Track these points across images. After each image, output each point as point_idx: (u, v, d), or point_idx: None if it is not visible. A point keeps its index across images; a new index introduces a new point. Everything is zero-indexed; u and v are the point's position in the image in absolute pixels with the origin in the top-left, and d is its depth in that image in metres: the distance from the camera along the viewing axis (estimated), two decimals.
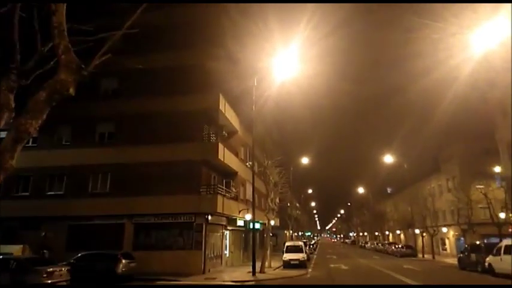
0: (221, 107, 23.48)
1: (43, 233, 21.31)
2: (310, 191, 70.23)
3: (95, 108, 23.98)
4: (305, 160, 43.89)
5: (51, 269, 13.63)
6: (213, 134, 23.83)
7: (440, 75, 25.86)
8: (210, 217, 21.55)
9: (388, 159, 45.06)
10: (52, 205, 22.22)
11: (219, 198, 21.83)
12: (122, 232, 21.72)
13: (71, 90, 5.07)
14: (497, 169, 30.74)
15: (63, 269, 14.40)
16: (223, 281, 17.74)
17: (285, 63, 19.70)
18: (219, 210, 21.62)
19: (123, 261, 17.71)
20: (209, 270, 21.22)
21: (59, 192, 23.10)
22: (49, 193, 23.17)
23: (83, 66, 5.20)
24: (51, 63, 6.15)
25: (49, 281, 13.34)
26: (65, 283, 14.08)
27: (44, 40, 6.08)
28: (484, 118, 32.40)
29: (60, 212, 21.91)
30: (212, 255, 22.89)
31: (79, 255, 18.25)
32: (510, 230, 28.30)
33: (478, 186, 30.92)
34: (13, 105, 5.25)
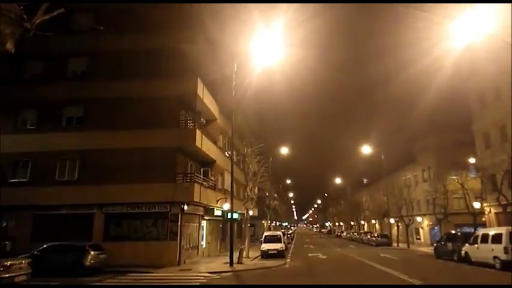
0: (199, 92, 22.47)
1: (4, 223, 19.81)
2: (288, 181, 70.15)
3: (62, 91, 22.45)
4: (284, 150, 43.43)
5: (8, 263, 12.39)
6: (190, 120, 22.82)
7: (425, 66, 25.86)
8: (186, 207, 20.68)
9: (366, 150, 45.30)
10: (15, 193, 20.51)
11: (196, 187, 20.96)
12: (91, 222, 20.50)
13: (9, 46, 4.06)
14: (472, 160, 31.31)
15: (23, 261, 13.17)
16: (199, 272, 17.00)
17: (266, 48, 18.89)
18: (196, 199, 20.78)
19: (92, 252, 16.69)
20: (185, 262, 20.44)
21: (23, 180, 21.48)
22: (12, 180, 21.47)
23: (25, 17, 4.17)
24: None
25: (7, 275, 12.13)
26: (25, 277, 12.89)
27: None
28: (462, 109, 32.87)
29: (24, 200, 20.36)
30: (188, 246, 22.09)
31: (44, 246, 17.20)
32: (484, 219, 28.93)
33: (452, 177, 31.43)
34: None
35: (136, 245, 19.88)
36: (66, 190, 20.70)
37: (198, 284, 13.84)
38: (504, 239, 17.21)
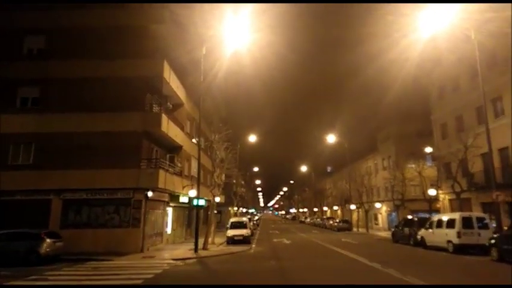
0: (166, 75, 21.74)
1: None
2: (256, 168, 70.49)
3: (16, 70, 20.99)
4: (252, 138, 43.41)
5: None
6: (156, 104, 22.09)
7: (394, 56, 26.62)
8: (150, 193, 20.16)
9: (331, 138, 46.33)
10: None
11: (161, 173, 20.45)
12: (48, 209, 19.49)
13: None
14: (428, 149, 32.92)
15: None
16: (163, 259, 16.73)
17: (235, 31, 18.60)
18: (161, 185, 20.31)
19: (48, 240, 15.89)
20: (148, 249, 20.05)
21: None
22: None
23: None
24: None
25: None
26: None
27: None
28: (424, 100, 34.25)
29: None
30: (152, 232, 21.64)
31: None
32: (438, 205, 30.61)
33: (410, 165, 32.93)
34: None
35: (97, 232, 19.21)
36: (21, 175, 19.50)
37: (160, 271, 13.59)
38: (457, 224, 18.29)
